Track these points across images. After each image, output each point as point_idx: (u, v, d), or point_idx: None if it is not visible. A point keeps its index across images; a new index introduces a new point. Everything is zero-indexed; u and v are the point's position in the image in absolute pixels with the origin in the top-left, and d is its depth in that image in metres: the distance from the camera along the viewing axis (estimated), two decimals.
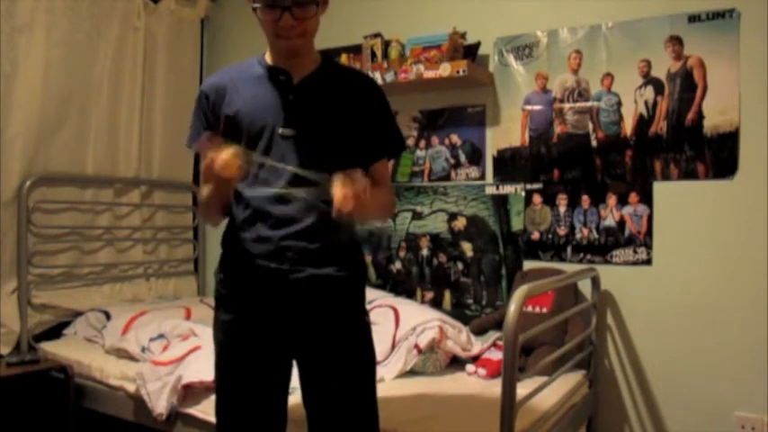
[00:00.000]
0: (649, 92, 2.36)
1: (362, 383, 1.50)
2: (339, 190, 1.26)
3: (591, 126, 2.48)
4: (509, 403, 1.54)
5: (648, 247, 2.36)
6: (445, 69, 2.49)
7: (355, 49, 2.81)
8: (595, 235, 2.47)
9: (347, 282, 1.48)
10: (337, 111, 1.46)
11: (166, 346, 2.38)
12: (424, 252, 2.85)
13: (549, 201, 2.56)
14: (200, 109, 1.52)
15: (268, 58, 1.50)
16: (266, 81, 1.47)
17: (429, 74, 2.50)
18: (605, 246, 2.44)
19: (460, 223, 2.76)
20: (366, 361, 1.52)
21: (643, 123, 2.37)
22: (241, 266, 1.47)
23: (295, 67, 1.46)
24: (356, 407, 1.48)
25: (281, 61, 1.46)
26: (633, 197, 2.39)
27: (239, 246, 1.47)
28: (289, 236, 1.42)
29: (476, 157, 2.73)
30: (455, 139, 2.76)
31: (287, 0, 1.33)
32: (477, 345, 2.44)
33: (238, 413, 1.49)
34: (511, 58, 2.65)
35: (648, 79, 2.36)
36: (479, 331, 2.53)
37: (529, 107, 2.61)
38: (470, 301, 2.73)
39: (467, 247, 2.75)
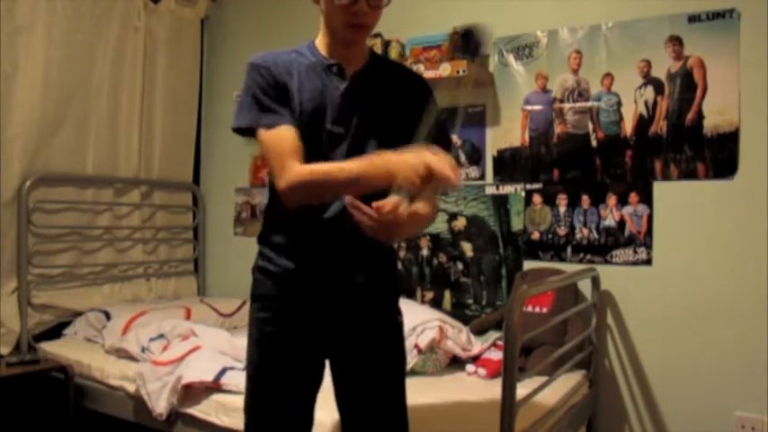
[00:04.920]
0: (649, 92, 2.36)
1: (396, 383, 1.50)
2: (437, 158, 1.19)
3: (591, 126, 2.48)
4: (509, 403, 1.53)
5: (648, 247, 2.36)
6: (445, 69, 2.49)
7: None
8: (595, 235, 2.47)
9: (381, 283, 1.49)
10: (386, 109, 1.42)
11: (166, 346, 2.39)
12: (424, 252, 2.85)
13: (549, 201, 2.56)
14: (262, 85, 1.35)
15: (319, 48, 1.42)
16: (319, 72, 1.40)
17: (429, 74, 2.50)
18: (605, 246, 2.44)
19: (460, 223, 2.76)
20: (399, 361, 1.53)
21: (643, 123, 2.37)
22: (288, 263, 1.43)
23: (348, 59, 1.40)
24: (391, 407, 1.48)
25: (335, 53, 1.40)
26: (633, 197, 2.39)
27: (290, 242, 1.43)
28: (328, 236, 1.39)
29: (476, 156, 2.73)
30: (455, 138, 2.75)
31: None
32: (477, 345, 2.44)
33: (270, 412, 1.46)
34: (511, 58, 2.65)
35: (648, 79, 2.36)
36: (479, 331, 2.52)
37: (529, 107, 2.61)
38: (470, 301, 2.73)
39: (467, 247, 2.75)
